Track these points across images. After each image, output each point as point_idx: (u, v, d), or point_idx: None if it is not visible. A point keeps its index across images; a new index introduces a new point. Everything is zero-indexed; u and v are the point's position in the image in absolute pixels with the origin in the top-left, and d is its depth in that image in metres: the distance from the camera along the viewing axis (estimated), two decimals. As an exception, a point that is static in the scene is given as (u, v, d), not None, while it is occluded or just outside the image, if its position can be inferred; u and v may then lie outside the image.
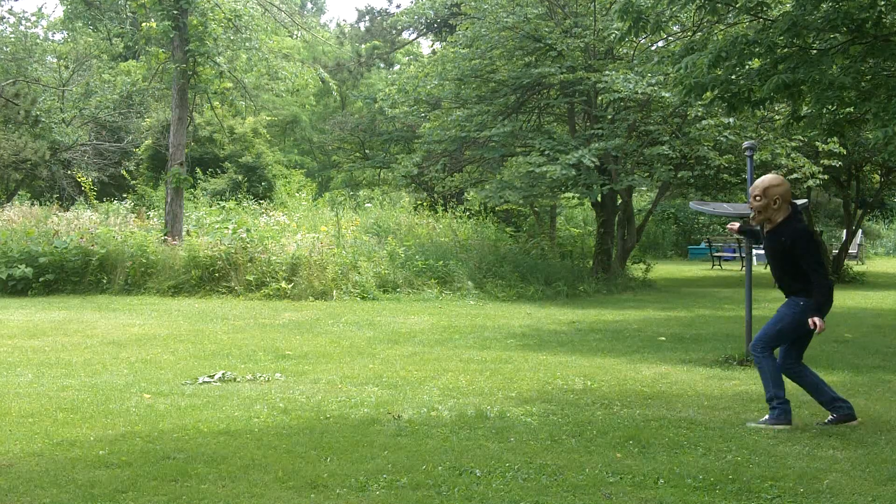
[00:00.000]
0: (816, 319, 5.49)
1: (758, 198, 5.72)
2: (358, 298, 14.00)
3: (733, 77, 8.92)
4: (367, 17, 39.01)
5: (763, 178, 5.80)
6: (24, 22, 25.90)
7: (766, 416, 5.72)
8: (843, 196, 20.31)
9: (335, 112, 36.44)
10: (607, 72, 14.87)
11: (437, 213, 20.09)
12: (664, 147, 15.09)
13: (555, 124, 19.30)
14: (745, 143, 8.46)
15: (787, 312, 5.69)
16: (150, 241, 15.40)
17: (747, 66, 8.99)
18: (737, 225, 6.24)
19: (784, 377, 5.78)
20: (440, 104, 18.54)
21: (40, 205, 20.48)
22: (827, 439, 5.37)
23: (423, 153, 18.57)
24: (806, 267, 5.57)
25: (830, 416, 5.75)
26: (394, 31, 35.29)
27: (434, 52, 23.21)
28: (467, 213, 20.05)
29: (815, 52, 8.74)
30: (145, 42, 18.46)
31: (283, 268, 14.44)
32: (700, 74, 8.92)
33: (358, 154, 29.88)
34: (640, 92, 14.36)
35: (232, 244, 14.89)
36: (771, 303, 14.46)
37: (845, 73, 8.33)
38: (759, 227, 6.10)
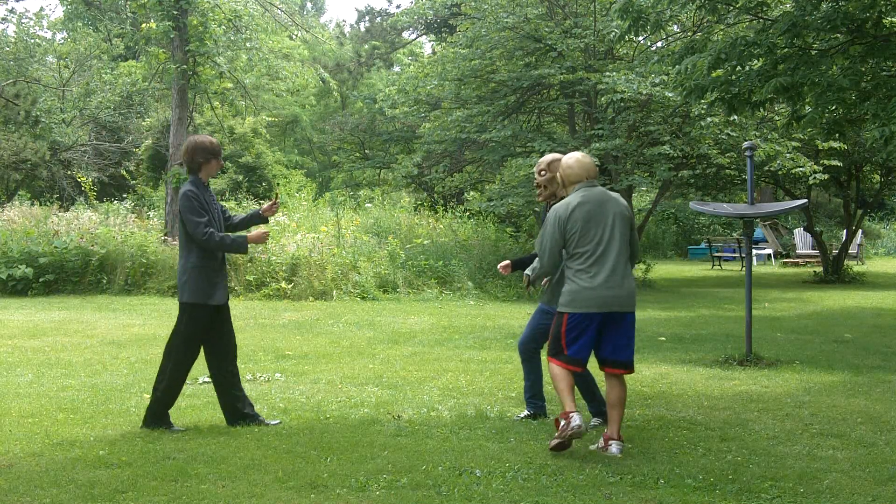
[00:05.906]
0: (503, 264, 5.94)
1: (543, 172, 5.59)
2: (358, 298, 14.00)
3: (733, 78, 8.92)
4: (367, 18, 39.09)
5: (547, 155, 5.73)
6: (24, 21, 25.92)
7: (525, 412, 5.88)
8: (843, 196, 20.31)
9: (335, 112, 36.43)
10: (608, 73, 14.86)
11: (437, 213, 20.09)
12: (665, 147, 15.08)
13: (555, 125, 19.28)
14: (745, 143, 8.46)
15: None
16: (150, 242, 15.41)
17: (748, 67, 8.98)
18: (507, 262, 6.06)
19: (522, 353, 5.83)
20: (440, 104, 18.53)
21: (40, 205, 20.47)
22: (827, 439, 5.38)
23: (423, 153, 18.55)
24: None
25: (526, 412, 5.87)
26: (394, 32, 35.33)
27: (434, 52, 23.21)
28: (467, 213, 20.04)
29: (815, 52, 8.74)
30: (145, 42, 18.47)
31: (283, 268, 14.45)
32: (700, 76, 8.91)
33: (358, 154, 29.88)
34: (643, 93, 14.34)
35: (232, 244, 14.87)
36: (771, 303, 14.48)
37: (845, 75, 8.33)
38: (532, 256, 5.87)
